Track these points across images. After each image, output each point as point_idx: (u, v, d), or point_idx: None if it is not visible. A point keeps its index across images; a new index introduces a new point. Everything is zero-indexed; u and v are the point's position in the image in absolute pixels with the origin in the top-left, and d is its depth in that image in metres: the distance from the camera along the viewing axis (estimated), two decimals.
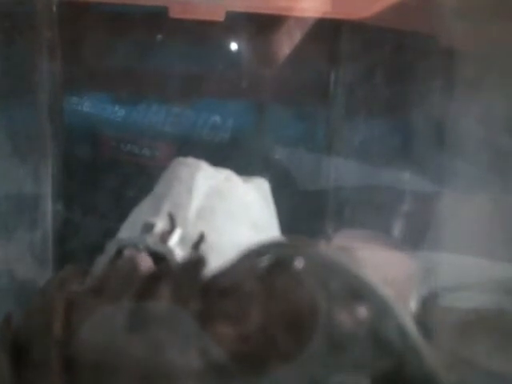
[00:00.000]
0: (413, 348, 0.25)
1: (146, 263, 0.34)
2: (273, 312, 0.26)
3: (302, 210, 0.56)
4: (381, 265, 0.29)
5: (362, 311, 0.26)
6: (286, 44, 0.56)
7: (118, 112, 0.57)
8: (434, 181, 0.51)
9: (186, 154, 0.44)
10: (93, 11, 0.55)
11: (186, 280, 0.27)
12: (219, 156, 0.45)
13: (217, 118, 0.57)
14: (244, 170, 0.45)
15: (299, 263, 0.28)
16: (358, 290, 0.26)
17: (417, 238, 0.50)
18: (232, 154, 0.56)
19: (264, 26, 0.55)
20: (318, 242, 0.29)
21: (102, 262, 0.36)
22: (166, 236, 0.36)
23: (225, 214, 0.40)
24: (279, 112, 0.59)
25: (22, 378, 0.25)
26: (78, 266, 0.33)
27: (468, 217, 0.48)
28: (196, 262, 0.28)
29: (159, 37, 0.56)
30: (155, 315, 0.25)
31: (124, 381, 0.24)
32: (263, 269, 0.28)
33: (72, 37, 0.54)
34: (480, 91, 0.47)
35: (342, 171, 0.58)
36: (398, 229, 0.52)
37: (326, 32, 0.56)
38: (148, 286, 0.27)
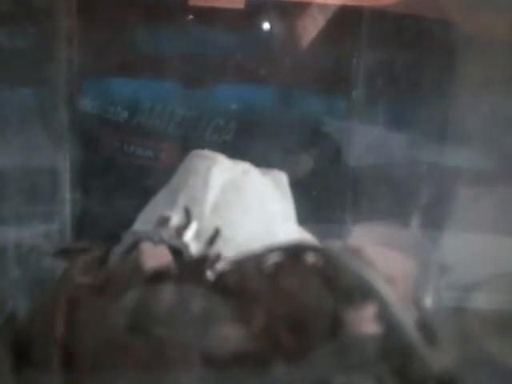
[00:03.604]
0: (413, 350, 0.25)
1: (164, 257, 0.34)
2: (279, 312, 0.26)
3: (321, 194, 0.56)
4: (389, 264, 0.29)
5: (368, 312, 0.26)
6: (306, 31, 0.56)
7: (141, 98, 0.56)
8: (454, 165, 0.51)
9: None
10: None
11: (191, 279, 0.27)
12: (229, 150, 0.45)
13: (231, 108, 0.57)
14: (261, 161, 0.45)
15: (306, 263, 0.28)
16: (364, 291, 0.26)
17: (436, 225, 0.50)
18: (245, 146, 0.56)
19: (284, 13, 0.55)
20: (326, 243, 0.29)
21: (117, 253, 0.36)
22: (181, 230, 0.36)
23: (240, 208, 0.40)
24: (300, 99, 0.59)
25: (24, 377, 0.25)
26: (99, 246, 0.33)
27: (488, 205, 0.47)
28: (202, 260, 0.28)
29: (179, 25, 0.56)
30: (158, 314, 0.25)
31: (125, 380, 0.24)
32: (270, 268, 0.28)
33: (90, 24, 0.54)
34: (502, 79, 0.47)
35: (362, 159, 0.57)
36: (416, 215, 0.52)
37: (348, 19, 0.55)
38: (151, 284, 0.27)
